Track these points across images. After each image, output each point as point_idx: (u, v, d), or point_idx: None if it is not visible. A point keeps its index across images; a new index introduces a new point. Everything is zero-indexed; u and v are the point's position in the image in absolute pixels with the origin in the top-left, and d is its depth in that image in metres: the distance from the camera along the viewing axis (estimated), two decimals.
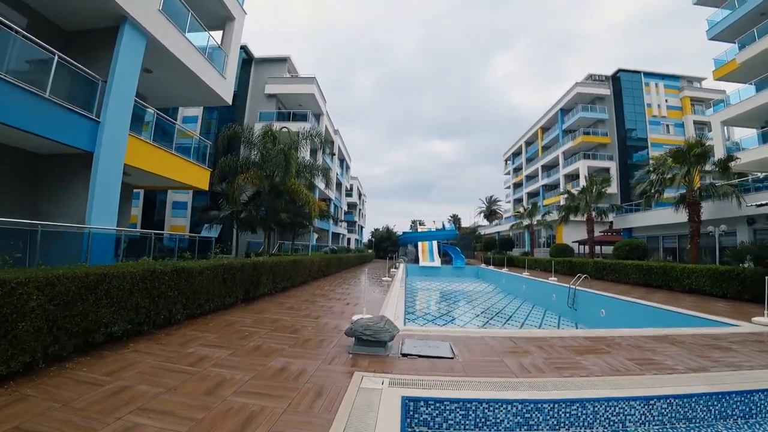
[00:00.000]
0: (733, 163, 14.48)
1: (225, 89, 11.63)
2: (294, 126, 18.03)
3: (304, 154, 17.87)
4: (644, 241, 17.38)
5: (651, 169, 15.30)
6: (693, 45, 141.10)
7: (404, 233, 39.32)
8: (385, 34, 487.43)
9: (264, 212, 14.99)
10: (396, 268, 21.41)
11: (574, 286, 12.13)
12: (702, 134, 32.94)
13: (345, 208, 48.06)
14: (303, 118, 25.70)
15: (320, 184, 17.27)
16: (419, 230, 38.04)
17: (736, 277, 10.12)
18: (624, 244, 16.88)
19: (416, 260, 32.15)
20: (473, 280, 26.29)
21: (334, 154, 37.01)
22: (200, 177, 11.22)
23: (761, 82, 19.05)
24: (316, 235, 30.72)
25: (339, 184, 42.30)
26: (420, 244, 33.50)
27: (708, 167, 14.58)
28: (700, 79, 38.17)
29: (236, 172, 14.67)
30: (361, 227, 75.21)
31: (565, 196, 25.90)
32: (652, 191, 14.82)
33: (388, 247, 40.60)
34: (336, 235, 41.16)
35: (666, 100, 36.73)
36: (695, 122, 35.91)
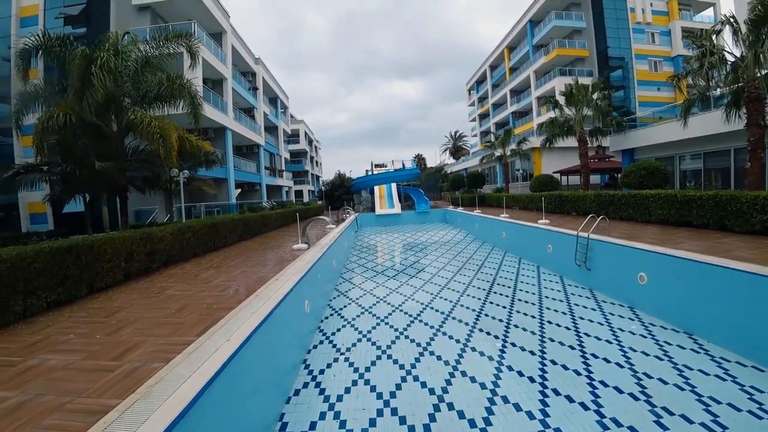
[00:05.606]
0: None
1: None
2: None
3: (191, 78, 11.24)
4: (664, 164, 12.77)
5: (701, 53, 9.95)
6: None
7: (357, 178, 33.78)
8: None
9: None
10: (334, 223, 15.55)
11: (585, 234, 7.62)
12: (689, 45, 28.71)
13: (287, 156, 41.61)
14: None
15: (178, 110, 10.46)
16: (375, 173, 32.49)
17: None
18: (637, 167, 12.25)
19: (373, 208, 27.48)
20: (441, 225, 22.38)
21: (257, 89, 30.13)
22: None
23: None
24: (237, 191, 24.96)
25: (273, 128, 35.70)
26: (377, 188, 28.47)
27: None
28: None
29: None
30: (317, 177, 69.02)
31: (548, 115, 20.99)
32: (708, 85, 9.87)
33: (342, 195, 35.21)
34: (276, 188, 35.32)
35: (651, 4, 31.58)
36: (683, 29, 31.29)
